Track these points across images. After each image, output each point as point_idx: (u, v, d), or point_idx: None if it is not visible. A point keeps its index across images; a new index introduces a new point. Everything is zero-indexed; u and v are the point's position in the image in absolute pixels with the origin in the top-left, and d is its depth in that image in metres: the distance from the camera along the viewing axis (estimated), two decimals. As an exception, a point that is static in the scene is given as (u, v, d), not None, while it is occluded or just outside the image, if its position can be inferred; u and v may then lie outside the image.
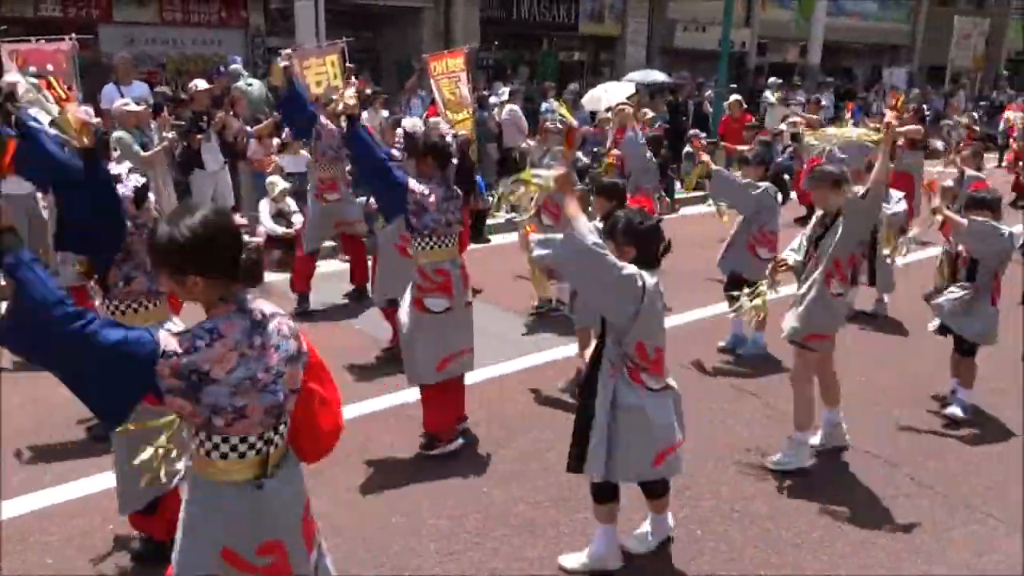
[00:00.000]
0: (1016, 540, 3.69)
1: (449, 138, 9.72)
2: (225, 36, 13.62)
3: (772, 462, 4.24)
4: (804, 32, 19.13)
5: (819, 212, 4.34)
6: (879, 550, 3.61)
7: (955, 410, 4.87)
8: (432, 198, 4.15)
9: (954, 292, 4.81)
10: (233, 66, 10.19)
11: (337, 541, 3.38)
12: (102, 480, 3.89)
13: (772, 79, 17.93)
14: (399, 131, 7.31)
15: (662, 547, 3.54)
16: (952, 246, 4.98)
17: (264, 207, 8.09)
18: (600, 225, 3.62)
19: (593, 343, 3.58)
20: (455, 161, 4.75)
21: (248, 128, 8.55)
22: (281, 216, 8.10)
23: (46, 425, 4.57)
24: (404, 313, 4.36)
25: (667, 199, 10.50)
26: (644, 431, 3.13)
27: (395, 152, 6.34)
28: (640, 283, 3.00)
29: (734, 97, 12.66)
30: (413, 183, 4.14)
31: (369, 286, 6.69)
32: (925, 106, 17.86)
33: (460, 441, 4.39)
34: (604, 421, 3.13)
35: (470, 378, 4.66)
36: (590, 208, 4.65)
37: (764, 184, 5.84)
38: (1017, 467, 4.30)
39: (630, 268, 3.02)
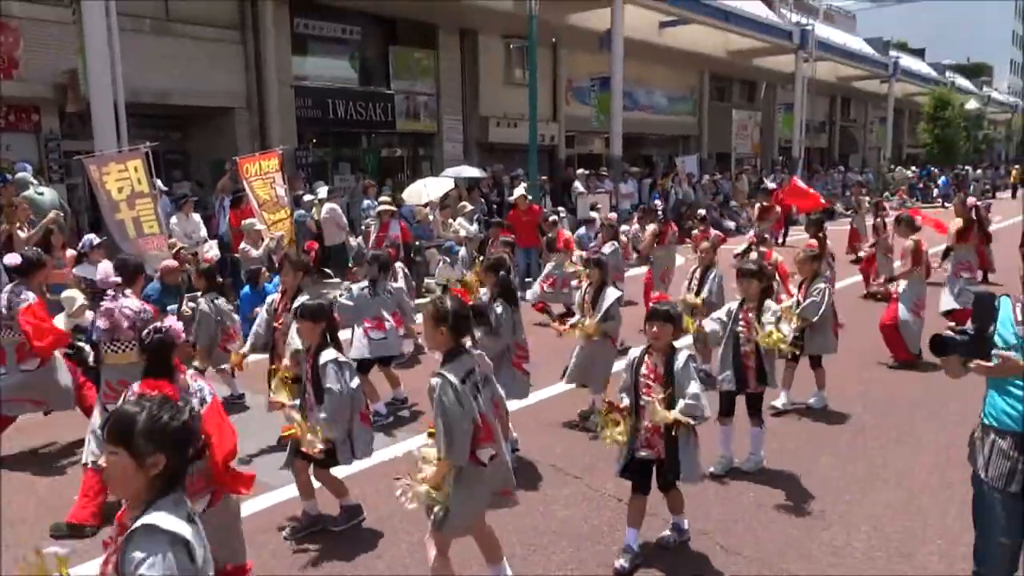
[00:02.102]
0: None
1: (267, 240, 9.59)
2: (14, 140, 12.72)
3: None
4: (605, 125, 20.85)
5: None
6: None
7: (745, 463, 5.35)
8: None
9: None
10: (20, 174, 9.51)
11: None
12: None
13: (580, 170, 19.32)
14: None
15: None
16: None
17: (60, 324, 7.47)
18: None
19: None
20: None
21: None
22: (80, 332, 7.51)
23: None
24: None
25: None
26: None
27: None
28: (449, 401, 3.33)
29: (518, 191, 12.76)
30: None
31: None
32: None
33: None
34: None
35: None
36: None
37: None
38: None
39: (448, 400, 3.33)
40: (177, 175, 15.22)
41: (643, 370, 4.05)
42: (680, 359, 3.97)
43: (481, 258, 7.44)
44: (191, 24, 14.33)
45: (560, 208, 16.96)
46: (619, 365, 4.17)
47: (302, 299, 4.74)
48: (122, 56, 10.84)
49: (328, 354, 4.27)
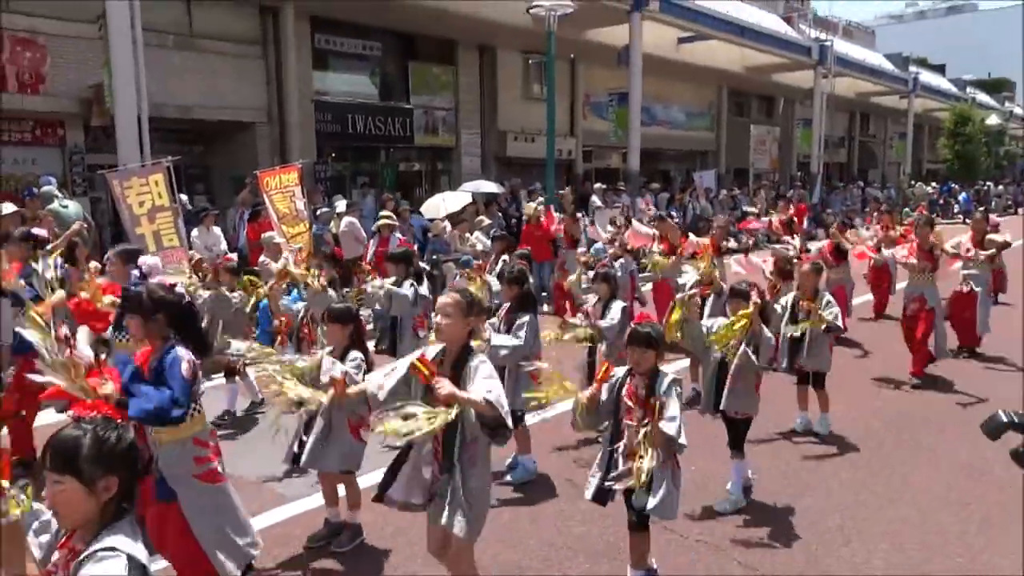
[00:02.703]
0: None
1: (286, 254, 9.68)
2: (40, 155, 12.96)
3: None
4: (623, 140, 20.89)
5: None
6: None
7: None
8: None
9: None
10: (45, 188, 9.68)
11: None
12: None
13: (597, 184, 19.34)
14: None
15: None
16: None
17: (82, 337, 7.57)
18: None
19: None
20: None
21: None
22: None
23: None
24: None
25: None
26: None
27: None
28: None
29: (531, 206, 12.58)
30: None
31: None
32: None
33: None
34: None
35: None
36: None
37: None
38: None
39: None
40: (199, 189, 15.43)
41: (624, 392, 3.86)
42: (664, 383, 3.76)
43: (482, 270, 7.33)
44: (214, 39, 14.56)
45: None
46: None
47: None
48: (146, 71, 11.03)
49: (354, 355, 4.31)
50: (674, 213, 18.18)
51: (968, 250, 8.47)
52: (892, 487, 5.28)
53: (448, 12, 16.46)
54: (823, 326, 6.03)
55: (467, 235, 12.89)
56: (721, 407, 5.05)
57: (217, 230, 11.27)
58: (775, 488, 5.23)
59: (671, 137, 27.40)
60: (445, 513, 3.31)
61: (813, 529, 4.68)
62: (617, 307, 6.00)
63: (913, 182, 37.16)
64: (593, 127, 23.82)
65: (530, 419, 5.57)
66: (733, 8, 24.48)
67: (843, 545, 4.49)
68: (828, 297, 6.25)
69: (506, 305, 5.53)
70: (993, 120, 43.09)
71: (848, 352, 8.78)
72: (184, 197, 10.81)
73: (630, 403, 3.81)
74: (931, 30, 78.83)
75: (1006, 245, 9.00)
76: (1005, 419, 2.55)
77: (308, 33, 16.35)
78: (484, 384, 3.24)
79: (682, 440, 3.62)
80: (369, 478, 4.47)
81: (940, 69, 51.10)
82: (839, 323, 6.19)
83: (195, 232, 10.66)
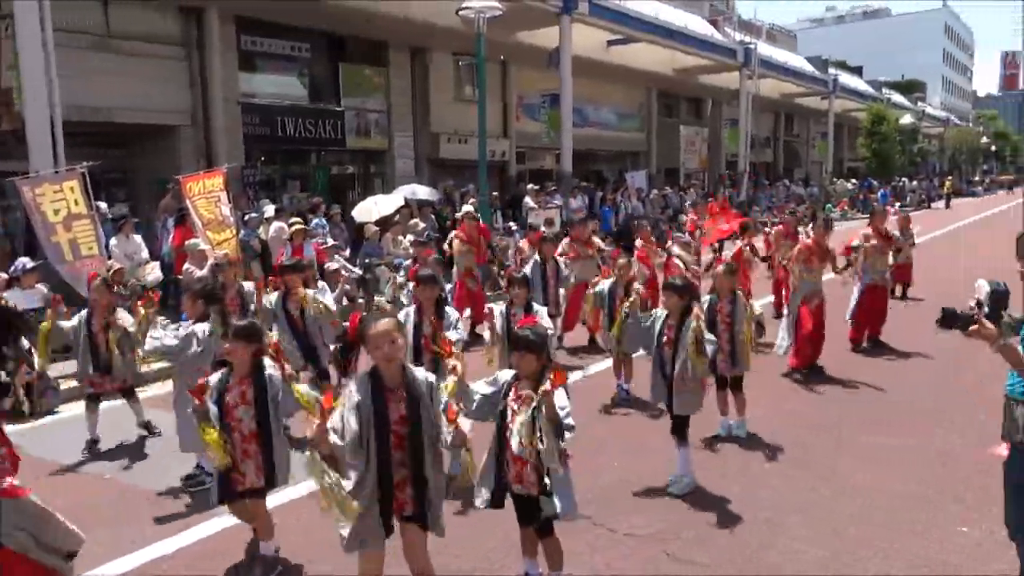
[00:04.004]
0: None
1: (212, 260, 9.41)
2: (-56, 161, 12.30)
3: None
4: (556, 141, 21.07)
5: None
6: None
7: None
8: None
9: None
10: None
11: None
12: None
13: (530, 185, 19.47)
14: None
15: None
16: None
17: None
18: None
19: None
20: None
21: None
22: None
23: None
24: None
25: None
26: None
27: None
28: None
29: (466, 208, 12.38)
30: None
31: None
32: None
33: None
34: None
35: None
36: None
37: None
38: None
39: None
40: (119, 195, 14.89)
41: (511, 396, 3.75)
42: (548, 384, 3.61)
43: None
44: (133, 40, 14.06)
45: (512, 223, 17.09)
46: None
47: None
48: (59, 72, 10.59)
49: (269, 365, 4.23)
50: (608, 214, 18.46)
51: (869, 240, 8.92)
52: (818, 480, 5.44)
53: (377, 13, 16.31)
54: (753, 326, 6.06)
55: (400, 238, 12.81)
56: (674, 411, 5.17)
57: (137, 238, 10.92)
58: (704, 484, 5.33)
59: (603, 138, 27.77)
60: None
61: (741, 522, 4.80)
62: (542, 313, 5.89)
63: (835, 179, 38.63)
64: (526, 128, 23.95)
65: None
66: (661, 11, 24.97)
67: (770, 536, 4.62)
68: (742, 298, 6.22)
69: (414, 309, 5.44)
70: (907, 120, 45.16)
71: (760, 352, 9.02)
72: (103, 204, 10.42)
73: (515, 407, 3.72)
74: (849, 34, 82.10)
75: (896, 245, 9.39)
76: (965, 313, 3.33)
77: (233, 34, 15.95)
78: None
79: (569, 421, 3.48)
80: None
81: (858, 71, 53.24)
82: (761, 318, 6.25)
83: (114, 240, 10.30)
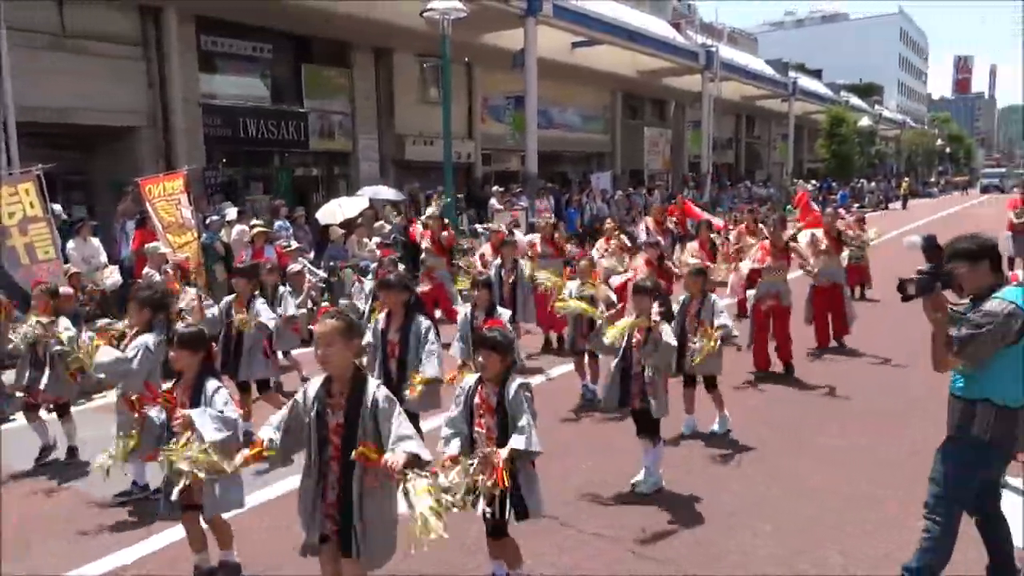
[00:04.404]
0: None
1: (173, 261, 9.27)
2: None
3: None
4: (521, 143, 21.13)
5: None
6: None
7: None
8: None
9: None
10: None
11: None
12: None
13: (496, 187, 19.49)
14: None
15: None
16: None
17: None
18: None
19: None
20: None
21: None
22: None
23: None
24: None
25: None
26: None
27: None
28: None
29: (430, 210, 12.19)
30: None
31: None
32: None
33: None
34: None
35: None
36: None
37: None
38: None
39: None
40: (77, 197, 14.58)
41: (476, 400, 3.78)
42: (511, 389, 3.67)
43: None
44: (90, 40, 13.79)
45: (478, 225, 17.09)
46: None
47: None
48: (13, 72, 10.36)
49: (214, 383, 4.08)
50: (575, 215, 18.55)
51: (819, 243, 9.07)
52: (779, 479, 5.52)
53: (339, 14, 16.20)
54: (717, 337, 6.00)
55: (365, 240, 12.74)
56: (653, 415, 5.13)
57: (95, 241, 10.70)
58: (669, 482, 5.38)
59: (568, 140, 27.92)
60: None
61: (706, 520, 4.87)
62: (506, 316, 5.95)
63: (795, 180, 39.32)
64: (491, 130, 23.98)
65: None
66: (624, 14, 25.19)
67: (733, 535, 4.69)
68: (715, 300, 6.28)
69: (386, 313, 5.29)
70: (865, 122, 46.19)
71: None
72: (57, 207, 10.20)
73: (481, 411, 3.75)
74: (808, 38, 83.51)
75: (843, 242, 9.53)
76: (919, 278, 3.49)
77: (193, 34, 15.72)
78: (400, 430, 3.21)
79: (534, 448, 3.56)
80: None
81: (817, 74, 54.25)
82: (732, 332, 6.15)
83: (71, 244, 10.08)
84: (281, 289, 7.38)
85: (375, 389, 3.33)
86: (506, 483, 3.50)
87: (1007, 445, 3.60)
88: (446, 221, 11.49)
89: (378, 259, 10.22)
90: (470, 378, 3.90)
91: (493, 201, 17.76)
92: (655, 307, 5.13)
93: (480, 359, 3.76)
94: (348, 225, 13.27)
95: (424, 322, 5.12)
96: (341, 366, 3.33)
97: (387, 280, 5.39)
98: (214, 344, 4.61)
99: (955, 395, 3.66)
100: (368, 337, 5.16)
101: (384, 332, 5.20)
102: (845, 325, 9.36)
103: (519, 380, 3.77)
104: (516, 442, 3.55)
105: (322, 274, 11.70)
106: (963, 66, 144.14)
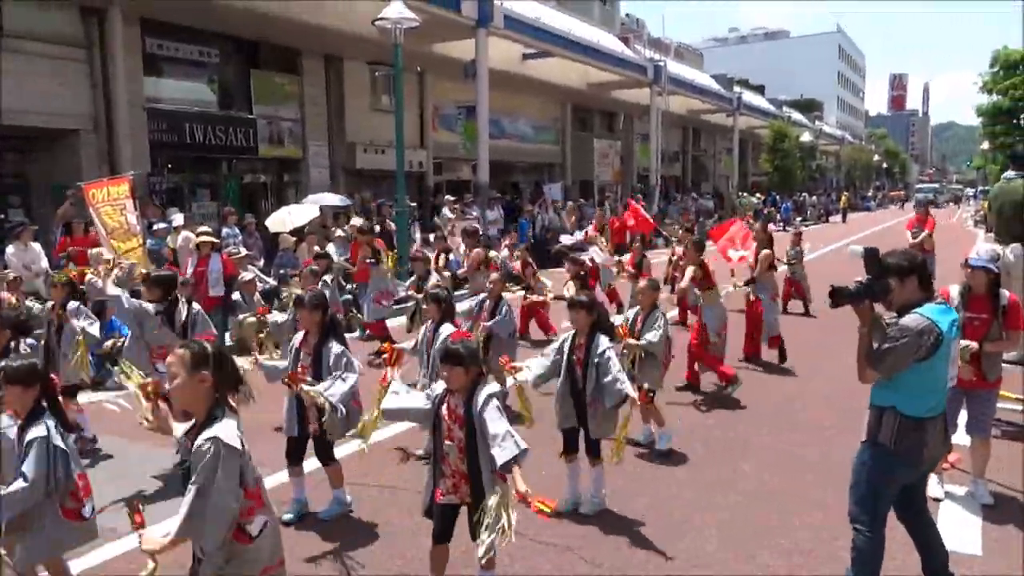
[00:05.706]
0: None
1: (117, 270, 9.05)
2: None
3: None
4: (473, 152, 21.21)
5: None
6: None
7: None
8: None
9: None
10: None
11: None
12: None
13: (447, 196, 19.52)
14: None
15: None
16: None
17: None
18: None
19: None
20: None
21: None
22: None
23: None
24: None
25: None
26: None
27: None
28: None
29: (355, 220, 11.99)
30: None
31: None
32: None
33: None
34: None
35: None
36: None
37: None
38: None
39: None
40: (15, 201, 14.11)
41: (443, 411, 3.78)
42: (479, 399, 3.65)
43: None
44: (29, 40, 13.38)
45: (430, 235, 17.06)
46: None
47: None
48: (-53, 73, 9.99)
49: (38, 430, 3.54)
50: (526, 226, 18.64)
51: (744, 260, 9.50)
52: (723, 483, 5.70)
53: (288, 19, 16.05)
54: (635, 346, 6.05)
55: (316, 248, 12.62)
56: (592, 436, 5.07)
57: (36, 246, 10.36)
58: (618, 491, 5.47)
59: (519, 150, 28.12)
60: None
61: (655, 526, 4.98)
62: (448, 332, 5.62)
63: (740, 193, 40.28)
64: (442, 139, 24.02)
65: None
66: (574, 27, 25.55)
67: (683, 538, 4.82)
68: (659, 316, 6.26)
69: (302, 334, 5.01)
70: (806, 137, 47.65)
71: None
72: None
73: (448, 421, 3.75)
74: (751, 54, 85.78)
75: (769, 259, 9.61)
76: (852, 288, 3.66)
77: (138, 36, 15.41)
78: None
79: (520, 452, 3.54)
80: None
81: (760, 89, 55.76)
82: (655, 347, 6.11)
83: (11, 249, 9.76)
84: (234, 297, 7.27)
85: (215, 431, 2.78)
86: (549, 508, 3.60)
87: (914, 453, 3.66)
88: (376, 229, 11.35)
89: (299, 269, 9.49)
90: (438, 386, 3.90)
91: (445, 211, 17.77)
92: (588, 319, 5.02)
93: (444, 373, 3.75)
94: (298, 233, 13.15)
95: (335, 348, 4.81)
96: (188, 401, 2.88)
97: (300, 297, 5.11)
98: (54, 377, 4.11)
99: (871, 402, 3.80)
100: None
101: (296, 352, 4.94)
102: (757, 342, 9.38)
103: (487, 389, 3.72)
104: (500, 457, 3.52)
105: (272, 282, 11.58)
106: (898, 83, 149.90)
